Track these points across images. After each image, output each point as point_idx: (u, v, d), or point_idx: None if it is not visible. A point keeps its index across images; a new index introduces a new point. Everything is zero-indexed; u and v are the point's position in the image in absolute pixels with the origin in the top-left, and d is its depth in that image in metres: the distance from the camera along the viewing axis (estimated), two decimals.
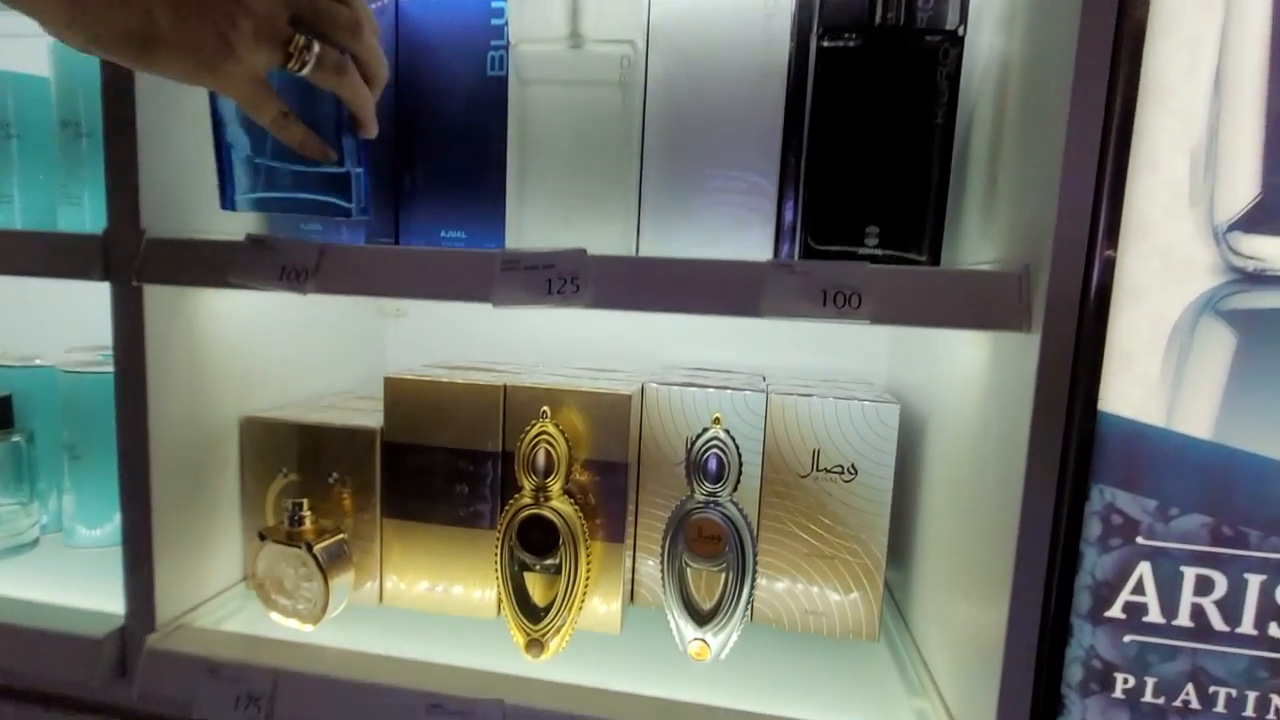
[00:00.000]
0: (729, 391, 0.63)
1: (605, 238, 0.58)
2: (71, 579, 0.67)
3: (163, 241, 0.54)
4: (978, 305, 0.43)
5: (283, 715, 0.51)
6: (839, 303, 0.43)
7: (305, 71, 0.45)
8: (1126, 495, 0.41)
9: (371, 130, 0.51)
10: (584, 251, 0.47)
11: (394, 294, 0.50)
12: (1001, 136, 0.49)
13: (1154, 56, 0.38)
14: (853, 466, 0.61)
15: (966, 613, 0.50)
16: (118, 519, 0.72)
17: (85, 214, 0.69)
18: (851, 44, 0.50)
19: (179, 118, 0.57)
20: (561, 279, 0.47)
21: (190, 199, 0.58)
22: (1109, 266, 0.40)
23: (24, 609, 0.61)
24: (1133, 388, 0.40)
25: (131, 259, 0.54)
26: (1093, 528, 0.41)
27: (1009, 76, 0.49)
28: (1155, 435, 0.40)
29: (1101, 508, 0.41)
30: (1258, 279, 0.39)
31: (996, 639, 0.43)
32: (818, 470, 0.62)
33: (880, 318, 0.43)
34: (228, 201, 0.55)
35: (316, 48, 0.44)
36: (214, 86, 0.44)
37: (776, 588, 0.63)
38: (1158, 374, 0.40)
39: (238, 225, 0.58)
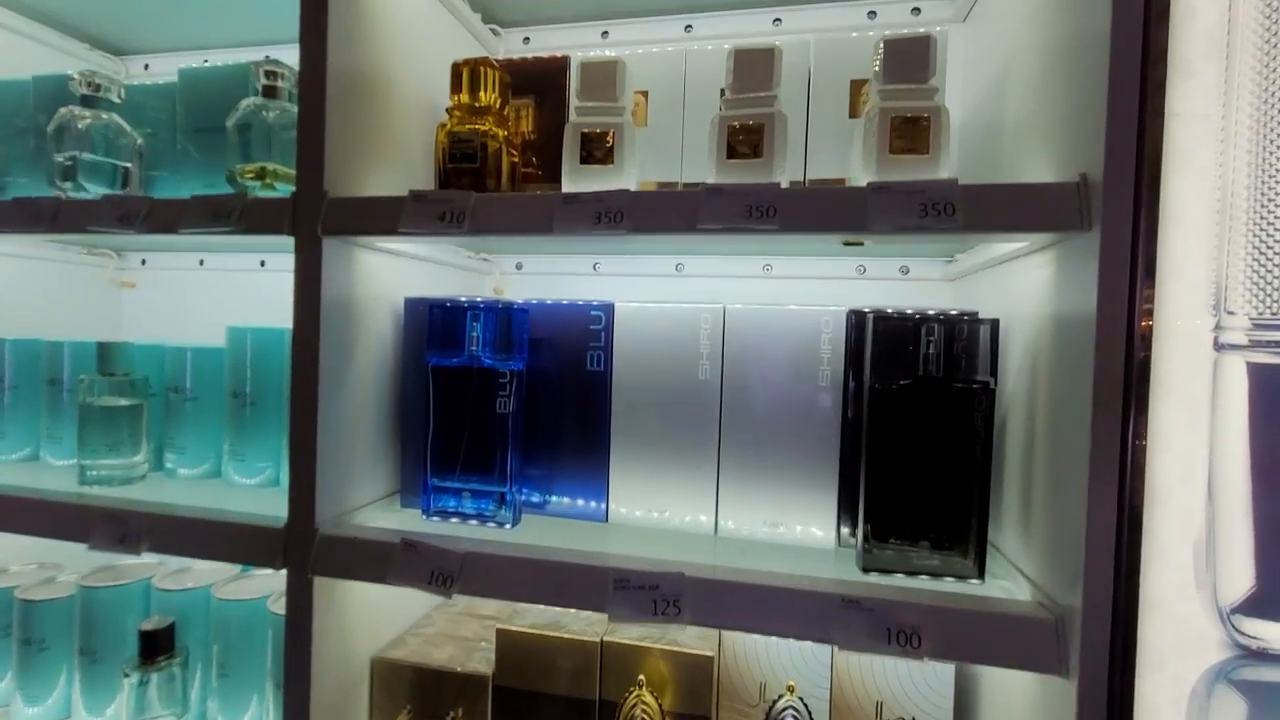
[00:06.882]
0: (796, 643, 0.71)
1: (689, 507, 0.69)
2: None
3: (334, 538, 0.66)
4: (1020, 648, 0.51)
5: None
6: (900, 641, 0.52)
7: None
8: None
9: None
10: (682, 575, 0.57)
11: (523, 599, 0.60)
12: (1032, 481, 0.59)
13: (1154, 469, 0.48)
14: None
15: None
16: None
17: (248, 467, 0.83)
18: (895, 388, 0.60)
19: (342, 411, 0.70)
20: (665, 600, 0.56)
21: (348, 485, 0.71)
22: (1132, 635, 0.48)
23: None
24: None
25: (307, 554, 0.66)
26: None
27: (1035, 437, 0.59)
28: None
29: None
30: (1263, 656, 0.46)
31: None
32: None
33: (937, 656, 0.51)
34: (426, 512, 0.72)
35: None
36: None
37: None
38: None
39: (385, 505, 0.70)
